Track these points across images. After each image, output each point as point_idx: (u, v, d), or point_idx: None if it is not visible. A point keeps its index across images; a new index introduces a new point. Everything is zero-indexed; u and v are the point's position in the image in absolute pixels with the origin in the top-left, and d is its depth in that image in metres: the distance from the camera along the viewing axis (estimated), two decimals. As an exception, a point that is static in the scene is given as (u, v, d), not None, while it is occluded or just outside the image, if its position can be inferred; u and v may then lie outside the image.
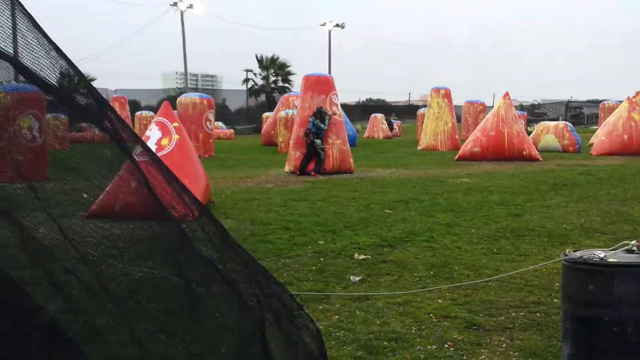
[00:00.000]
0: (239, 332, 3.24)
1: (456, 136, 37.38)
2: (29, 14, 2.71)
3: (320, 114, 21.60)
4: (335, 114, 22.33)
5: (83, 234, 3.07)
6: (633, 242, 4.59)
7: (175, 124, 13.97)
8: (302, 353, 3.46)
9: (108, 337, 3.09)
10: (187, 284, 3.15)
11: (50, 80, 2.75)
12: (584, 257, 4.47)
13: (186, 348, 3.17)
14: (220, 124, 59.38)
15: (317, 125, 21.56)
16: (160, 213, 3.01)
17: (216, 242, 3.21)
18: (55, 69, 2.79)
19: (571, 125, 37.01)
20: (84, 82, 2.97)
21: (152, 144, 12.71)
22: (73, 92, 2.92)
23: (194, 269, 3.15)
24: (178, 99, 34.13)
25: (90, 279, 3.05)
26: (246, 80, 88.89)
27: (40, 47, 2.74)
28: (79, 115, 2.94)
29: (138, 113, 49.77)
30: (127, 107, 52.65)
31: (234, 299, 3.18)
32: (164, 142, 13.21)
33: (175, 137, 13.44)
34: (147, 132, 13.96)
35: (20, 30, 2.70)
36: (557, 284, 7.17)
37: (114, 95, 60.12)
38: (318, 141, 21.60)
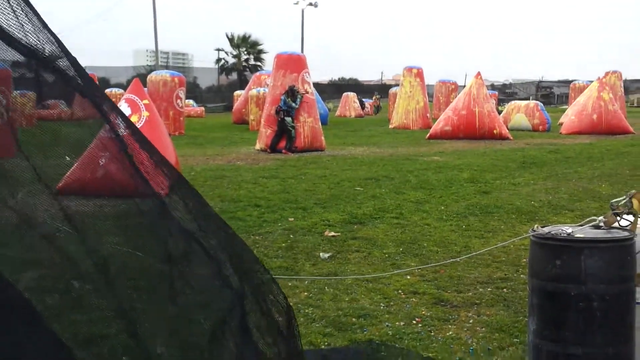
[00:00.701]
0: (219, 306, 3.22)
1: (428, 115, 37.52)
2: None
3: (292, 93, 21.56)
4: (307, 93, 22.28)
5: (51, 210, 3.03)
6: (600, 217, 4.62)
7: (145, 101, 13.82)
8: (275, 328, 3.46)
9: (81, 314, 3.06)
10: (167, 257, 3.12)
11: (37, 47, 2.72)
12: (551, 232, 4.49)
13: (165, 322, 3.15)
14: (191, 101, 59.07)
15: (289, 103, 21.53)
16: (140, 186, 2.98)
17: (196, 214, 3.18)
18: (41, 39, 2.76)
19: (541, 104, 37.29)
20: (70, 56, 2.92)
21: (120, 121, 12.55)
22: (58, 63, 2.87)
23: (174, 241, 3.12)
24: (148, 77, 33.84)
25: (60, 254, 3.01)
26: (218, 60, 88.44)
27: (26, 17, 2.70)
28: (68, 87, 2.90)
29: (107, 90, 49.28)
30: (97, 84, 52.11)
31: (214, 272, 3.16)
32: (134, 119, 13.07)
33: (145, 114, 13.30)
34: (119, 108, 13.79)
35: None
36: (524, 260, 7.23)
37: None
38: (289, 119, 21.57)
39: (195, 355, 3.14)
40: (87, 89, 2.93)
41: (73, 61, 2.89)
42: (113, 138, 2.95)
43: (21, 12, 2.70)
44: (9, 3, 2.62)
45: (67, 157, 3.03)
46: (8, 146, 3.06)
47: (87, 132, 3.24)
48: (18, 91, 3.27)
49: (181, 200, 3.13)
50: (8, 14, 2.64)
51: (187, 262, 3.16)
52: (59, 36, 2.85)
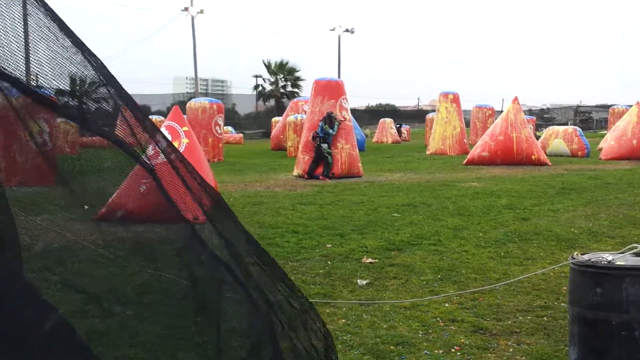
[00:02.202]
0: (249, 335, 3.23)
1: (465, 140, 37.37)
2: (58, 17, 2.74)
3: (329, 119, 21.63)
4: (345, 120, 22.34)
5: (91, 237, 3.08)
6: (641, 245, 4.58)
7: (185, 128, 14.00)
8: (313, 355, 3.46)
9: (116, 340, 3.10)
10: (195, 285, 3.15)
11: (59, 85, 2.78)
12: (591, 260, 4.47)
13: (195, 351, 3.17)
14: (229, 128, 59.51)
15: (326, 130, 21.60)
16: (172, 214, 3.02)
17: (232, 242, 3.20)
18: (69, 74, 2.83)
19: (580, 129, 36.95)
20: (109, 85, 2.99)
21: (163, 147, 12.71)
22: (83, 98, 2.94)
23: (203, 269, 3.15)
24: (188, 104, 34.20)
25: (99, 280, 3.06)
26: (256, 86, 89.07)
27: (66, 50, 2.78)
28: (86, 124, 2.96)
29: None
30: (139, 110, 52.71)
31: (245, 301, 3.18)
32: (175, 144, 13.23)
33: (185, 140, 13.47)
34: (157, 136, 13.96)
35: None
36: (565, 287, 7.16)
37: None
38: (325, 145, 21.63)
39: None
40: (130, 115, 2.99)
41: (116, 87, 2.96)
42: (144, 172, 2.99)
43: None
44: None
45: (85, 207, 3.08)
46: (49, 174, 3.13)
47: (128, 159, 3.30)
48: (61, 119, 3.35)
49: (217, 227, 3.15)
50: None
51: (219, 291, 3.19)
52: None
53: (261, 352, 3.20)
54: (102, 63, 2.95)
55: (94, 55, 2.91)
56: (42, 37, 2.70)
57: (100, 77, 2.98)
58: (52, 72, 2.76)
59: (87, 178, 3.11)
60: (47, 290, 3.00)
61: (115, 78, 2.99)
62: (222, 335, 3.21)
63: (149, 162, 3.11)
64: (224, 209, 3.26)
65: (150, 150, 3.15)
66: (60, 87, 2.83)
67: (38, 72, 2.74)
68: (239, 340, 3.28)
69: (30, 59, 2.70)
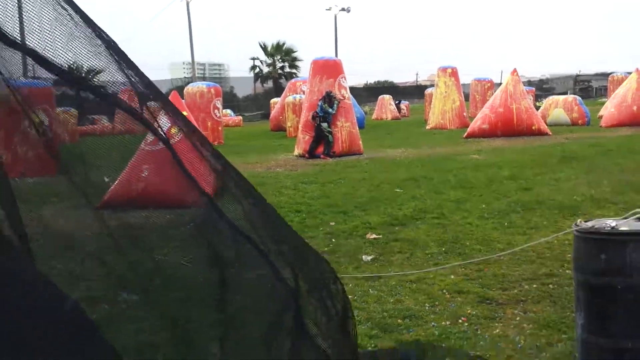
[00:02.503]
0: (274, 306, 3.25)
1: (464, 114, 37.33)
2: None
3: (329, 98, 21.61)
4: (344, 98, 22.31)
5: (98, 223, 3.09)
6: (644, 210, 4.58)
7: (184, 113, 13.98)
8: (335, 322, 3.49)
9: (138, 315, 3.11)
10: (216, 256, 3.17)
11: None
12: (595, 226, 4.47)
13: (218, 319, 3.19)
14: (228, 111, 59.44)
15: (326, 109, 21.58)
16: (190, 187, 3.04)
17: (249, 212, 3.22)
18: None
19: (580, 98, 36.90)
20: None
21: (162, 133, 12.71)
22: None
23: (223, 240, 3.16)
24: (185, 89, 34.20)
25: (112, 265, 3.07)
26: (253, 67, 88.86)
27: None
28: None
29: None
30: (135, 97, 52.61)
31: (266, 269, 3.19)
32: (173, 130, 13.21)
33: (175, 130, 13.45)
34: (158, 121, 13.95)
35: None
36: (569, 255, 7.16)
37: (123, 87, 60.13)
38: (325, 124, 21.63)
39: (251, 354, 3.17)
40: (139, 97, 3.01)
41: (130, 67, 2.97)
42: (163, 145, 3.01)
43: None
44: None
45: (105, 178, 3.09)
46: (51, 164, 3.14)
47: (132, 143, 3.32)
48: (61, 108, 3.35)
49: (235, 200, 3.17)
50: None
51: (239, 263, 3.21)
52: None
53: (283, 319, 3.22)
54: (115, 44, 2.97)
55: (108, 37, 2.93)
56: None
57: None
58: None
59: (88, 166, 3.11)
60: (61, 278, 3.01)
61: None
62: (244, 304, 3.23)
63: (164, 135, 3.12)
64: (243, 181, 3.27)
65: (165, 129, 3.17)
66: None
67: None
68: (260, 309, 3.29)
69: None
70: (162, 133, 3.09)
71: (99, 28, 2.86)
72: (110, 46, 2.90)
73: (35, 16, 2.63)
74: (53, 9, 2.66)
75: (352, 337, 3.71)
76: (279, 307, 3.21)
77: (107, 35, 2.90)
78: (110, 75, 2.91)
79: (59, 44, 2.68)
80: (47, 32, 2.65)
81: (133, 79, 2.97)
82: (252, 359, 3.17)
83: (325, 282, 3.55)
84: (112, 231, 3.11)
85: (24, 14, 2.62)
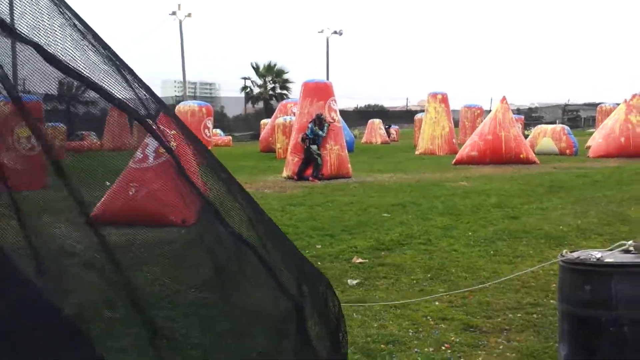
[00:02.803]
0: (276, 315, 3.24)
1: (454, 140, 37.47)
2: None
3: (319, 121, 21.65)
4: (334, 121, 22.36)
5: (87, 239, 3.08)
6: (630, 242, 4.60)
7: (174, 132, 13.96)
8: (332, 334, 3.49)
9: (130, 329, 3.09)
10: (218, 265, 3.16)
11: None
12: (580, 257, 4.48)
13: (218, 329, 3.18)
14: (218, 131, 59.47)
15: (316, 132, 21.61)
16: (190, 195, 3.04)
17: (254, 222, 3.22)
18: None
19: (568, 128, 37.11)
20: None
21: (151, 151, 12.73)
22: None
23: (226, 249, 3.16)
24: (177, 107, 34.20)
25: (101, 281, 3.06)
26: (244, 87, 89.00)
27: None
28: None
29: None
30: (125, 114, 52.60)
31: (270, 281, 3.19)
32: (162, 149, 13.20)
33: (174, 144, 13.45)
34: (146, 139, 13.95)
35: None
36: (554, 285, 7.18)
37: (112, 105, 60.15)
38: (314, 147, 21.65)
39: None
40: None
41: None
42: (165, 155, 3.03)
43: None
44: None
45: (107, 183, 3.10)
46: (39, 178, 3.13)
47: (120, 162, 3.32)
48: (51, 124, 3.35)
49: (236, 208, 3.17)
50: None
51: (240, 270, 3.20)
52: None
53: (288, 332, 3.21)
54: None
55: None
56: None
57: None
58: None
59: (75, 181, 3.10)
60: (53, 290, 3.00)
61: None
62: (247, 315, 3.22)
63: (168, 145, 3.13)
64: (242, 190, 3.27)
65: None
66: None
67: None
68: (263, 320, 3.28)
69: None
70: (166, 143, 3.11)
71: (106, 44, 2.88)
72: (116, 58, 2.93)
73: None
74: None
75: (345, 351, 3.72)
76: (283, 318, 3.20)
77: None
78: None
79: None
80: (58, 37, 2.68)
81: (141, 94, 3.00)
82: None
83: (325, 295, 3.56)
84: (106, 246, 3.09)
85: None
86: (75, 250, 3.04)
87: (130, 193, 4.12)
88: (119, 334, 3.05)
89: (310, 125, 21.73)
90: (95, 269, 3.06)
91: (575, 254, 4.56)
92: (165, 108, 3.18)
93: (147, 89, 3.11)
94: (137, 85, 3.03)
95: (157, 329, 3.04)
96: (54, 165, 3.11)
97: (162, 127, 3.24)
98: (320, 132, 21.70)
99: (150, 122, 3.11)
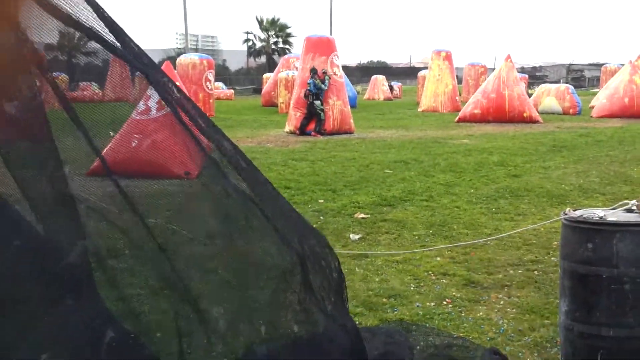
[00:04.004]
0: (281, 265, 3.26)
1: (457, 98, 37.35)
2: None
3: (314, 73, 21.53)
4: (332, 74, 22.18)
5: (92, 189, 3.08)
6: (632, 201, 4.60)
7: (176, 84, 13.91)
8: (333, 288, 3.51)
9: (142, 271, 3.11)
10: (223, 216, 3.17)
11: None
12: (583, 216, 4.49)
13: (225, 281, 3.20)
14: (220, 84, 59.23)
15: (318, 85, 21.51)
16: (195, 149, 3.04)
17: (249, 180, 3.22)
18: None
19: (572, 87, 36.93)
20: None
21: (153, 103, 12.69)
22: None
23: (232, 200, 3.17)
24: (178, 59, 34.05)
25: (111, 222, 3.07)
26: (246, 40, 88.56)
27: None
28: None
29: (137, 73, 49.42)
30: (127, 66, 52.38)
31: (273, 232, 3.20)
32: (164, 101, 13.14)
33: (176, 96, 13.41)
34: (148, 92, 13.91)
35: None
36: (555, 242, 7.23)
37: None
38: (317, 102, 21.59)
39: (257, 315, 3.18)
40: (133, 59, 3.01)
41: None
42: (167, 109, 3.02)
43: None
44: None
45: (110, 132, 3.10)
46: (42, 128, 3.12)
47: (122, 112, 3.31)
48: (55, 73, 3.33)
49: (234, 165, 3.17)
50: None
51: (246, 222, 3.21)
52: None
53: (293, 282, 3.23)
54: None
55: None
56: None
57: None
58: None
59: (77, 133, 3.09)
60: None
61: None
62: (253, 266, 3.24)
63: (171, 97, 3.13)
64: (237, 150, 3.27)
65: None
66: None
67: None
68: (269, 272, 3.30)
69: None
70: (171, 97, 3.10)
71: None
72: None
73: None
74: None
75: (347, 303, 3.75)
76: (288, 269, 3.22)
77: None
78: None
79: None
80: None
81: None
82: (260, 319, 3.18)
83: (324, 251, 3.58)
84: (116, 196, 3.09)
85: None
86: (79, 199, 3.05)
87: (133, 144, 4.12)
88: (124, 284, 3.07)
89: (311, 81, 21.63)
90: (100, 219, 3.07)
91: (578, 212, 4.57)
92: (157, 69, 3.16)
93: (138, 47, 3.09)
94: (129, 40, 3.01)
95: (164, 279, 3.06)
96: (56, 115, 3.10)
97: (163, 80, 3.22)
98: (323, 86, 21.61)
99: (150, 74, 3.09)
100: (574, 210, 4.63)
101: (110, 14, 2.93)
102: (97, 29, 2.85)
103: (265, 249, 3.26)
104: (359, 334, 3.62)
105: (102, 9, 2.88)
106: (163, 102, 3.27)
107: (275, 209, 3.31)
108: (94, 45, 2.93)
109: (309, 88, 21.66)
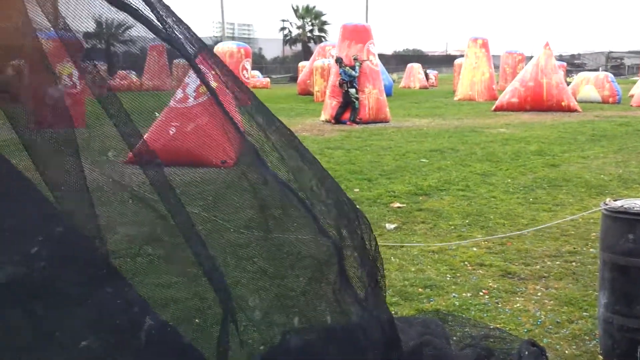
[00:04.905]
0: (316, 255, 3.26)
1: (493, 86, 36.98)
2: None
3: (340, 63, 21.50)
4: (367, 60, 22.06)
5: (132, 176, 3.10)
6: (674, 191, 4.53)
7: (214, 72, 13.95)
8: (371, 274, 3.51)
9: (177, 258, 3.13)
10: (260, 205, 3.17)
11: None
12: (624, 206, 4.42)
13: (261, 270, 3.21)
14: (256, 73, 59.36)
15: (349, 72, 21.43)
16: (233, 135, 3.04)
17: (291, 164, 3.22)
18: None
19: (612, 75, 36.39)
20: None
21: (190, 91, 12.74)
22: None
23: (269, 189, 3.17)
24: (215, 47, 34.18)
25: (147, 211, 3.08)
26: (282, 29, 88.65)
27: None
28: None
29: (176, 61, 49.78)
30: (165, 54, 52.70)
31: (311, 221, 3.20)
32: (202, 89, 13.21)
33: (214, 84, 13.47)
34: (186, 79, 13.97)
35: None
36: (594, 234, 7.14)
37: (152, 44, 60.25)
38: (352, 90, 21.51)
39: (292, 304, 3.19)
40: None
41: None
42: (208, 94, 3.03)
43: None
44: None
45: (156, 114, 3.12)
46: (80, 116, 3.14)
47: (160, 101, 3.32)
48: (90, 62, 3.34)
49: (275, 148, 3.17)
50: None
51: (283, 211, 3.21)
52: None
53: (328, 272, 3.23)
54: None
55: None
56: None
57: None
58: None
59: (116, 120, 3.11)
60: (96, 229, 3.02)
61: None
62: (289, 257, 3.25)
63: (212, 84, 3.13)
64: (283, 129, 3.26)
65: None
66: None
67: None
68: (305, 261, 3.30)
69: None
70: (209, 83, 3.11)
71: None
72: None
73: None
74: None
75: (384, 292, 3.74)
76: (324, 259, 3.22)
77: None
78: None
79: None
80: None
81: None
82: (294, 309, 3.19)
83: (362, 235, 3.56)
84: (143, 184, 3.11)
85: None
86: (118, 187, 3.06)
87: (171, 132, 4.13)
88: (160, 271, 3.09)
89: (341, 70, 21.57)
90: (139, 206, 3.08)
91: (618, 203, 4.50)
92: (206, 49, 3.16)
93: (188, 28, 3.10)
94: (177, 25, 3.01)
95: (200, 267, 3.07)
96: (93, 103, 3.12)
97: (203, 67, 3.23)
98: (353, 72, 21.51)
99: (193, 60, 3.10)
100: (615, 201, 4.56)
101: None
102: (143, 11, 2.86)
103: (302, 239, 3.25)
104: (394, 325, 3.60)
105: None
106: (202, 89, 3.27)
107: (317, 195, 3.29)
108: (133, 33, 2.95)
109: (342, 77, 21.61)
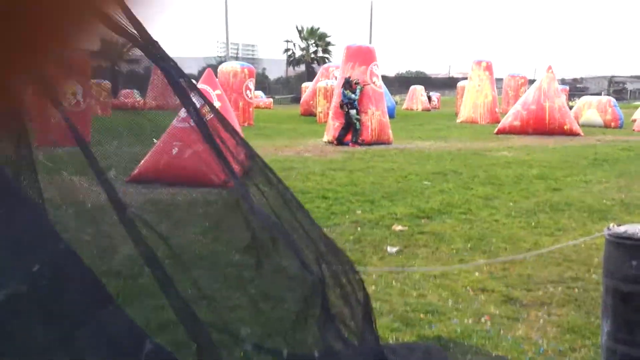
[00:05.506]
0: (302, 290, 3.24)
1: (496, 109, 37.02)
2: None
3: (348, 85, 21.51)
4: (367, 84, 22.09)
5: (126, 197, 3.08)
6: (677, 218, 4.50)
7: (217, 92, 14.02)
8: (356, 313, 3.48)
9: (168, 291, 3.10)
10: (253, 238, 3.16)
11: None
12: (628, 232, 4.39)
13: (251, 301, 3.19)
14: (259, 93, 59.49)
15: (348, 95, 21.47)
16: (222, 171, 3.03)
17: (273, 201, 3.21)
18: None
19: (614, 100, 36.46)
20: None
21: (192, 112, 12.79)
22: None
23: (258, 224, 3.15)
24: (219, 67, 34.22)
25: (136, 241, 3.06)
26: (286, 50, 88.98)
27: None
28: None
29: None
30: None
31: (295, 256, 3.19)
32: (204, 110, 13.27)
33: (217, 104, 13.51)
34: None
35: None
36: (596, 259, 7.09)
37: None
38: (353, 112, 21.52)
39: (280, 337, 3.17)
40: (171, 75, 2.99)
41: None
42: (196, 124, 3.00)
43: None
44: None
45: (154, 140, 3.10)
46: (85, 133, 3.13)
47: (163, 120, 3.30)
48: (95, 80, 3.33)
49: (258, 186, 3.15)
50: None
51: (270, 247, 3.19)
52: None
53: (313, 308, 3.21)
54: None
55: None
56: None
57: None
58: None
59: (120, 139, 3.10)
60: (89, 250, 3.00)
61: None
62: (277, 288, 3.23)
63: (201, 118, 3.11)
64: (266, 169, 3.25)
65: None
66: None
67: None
68: (291, 293, 3.28)
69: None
70: (195, 110, 3.09)
71: None
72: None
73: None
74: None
75: (374, 327, 3.70)
76: (308, 293, 3.20)
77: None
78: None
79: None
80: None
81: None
82: (282, 341, 3.16)
83: (346, 271, 3.54)
84: (146, 205, 3.09)
85: None
86: (120, 206, 3.04)
87: (174, 152, 4.11)
88: (158, 293, 3.06)
89: (342, 91, 21.62)
90: (137, 227, 3.06)
91: (622, 228, 4.47)
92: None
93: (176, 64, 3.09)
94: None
95: (198, 289, 3.05)
96: (98, 122, 3.11)
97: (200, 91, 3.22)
98: (353, 95, 21.51)
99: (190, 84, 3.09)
100: (618, 226, 4.53)
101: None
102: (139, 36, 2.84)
103: (290, 269, 3.25)
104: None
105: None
106: (203, 110, 3.26)
107: (297, 230, 3.28)
108: (136, 52, 2.94)
109: (342, 99, 21.66)
